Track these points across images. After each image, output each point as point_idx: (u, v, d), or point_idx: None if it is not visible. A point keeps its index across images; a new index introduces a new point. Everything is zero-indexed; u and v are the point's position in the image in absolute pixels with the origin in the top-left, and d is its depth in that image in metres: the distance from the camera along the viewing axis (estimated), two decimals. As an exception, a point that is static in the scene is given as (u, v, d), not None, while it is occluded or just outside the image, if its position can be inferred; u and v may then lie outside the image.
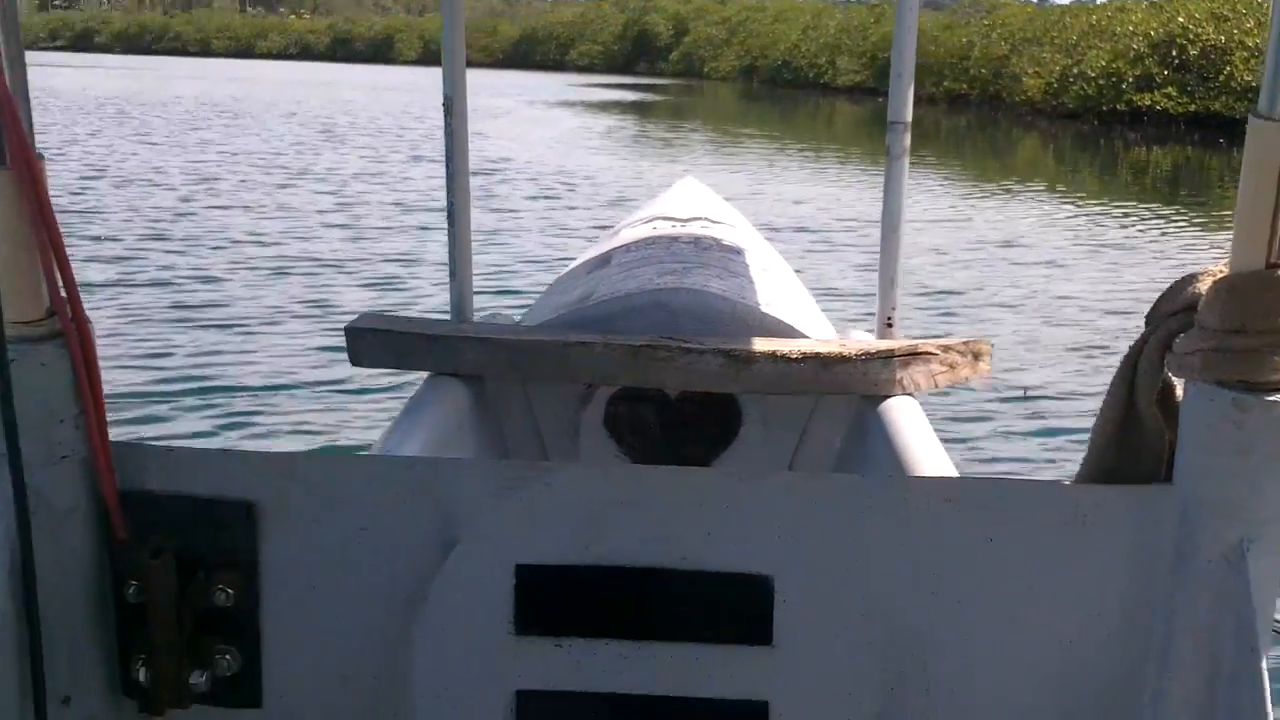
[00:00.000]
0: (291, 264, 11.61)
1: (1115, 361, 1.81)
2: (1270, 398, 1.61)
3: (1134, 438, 1.78)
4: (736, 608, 1.78)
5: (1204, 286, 1.67)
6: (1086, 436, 1.87)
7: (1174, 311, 1.72)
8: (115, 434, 1.76)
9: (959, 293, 11.06)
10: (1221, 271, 1.66)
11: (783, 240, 12.36)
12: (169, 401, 6.99)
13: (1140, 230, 15.42)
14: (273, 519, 1.78)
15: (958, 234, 14.50)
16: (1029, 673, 1.78)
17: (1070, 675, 1.77)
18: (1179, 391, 1.77)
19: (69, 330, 1.67)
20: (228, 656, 1.80)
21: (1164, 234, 15.20)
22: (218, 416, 6.80)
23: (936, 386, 3.40)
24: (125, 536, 1.74)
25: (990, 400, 7.46)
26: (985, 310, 10.40)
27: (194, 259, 11.72)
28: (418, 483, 1.77)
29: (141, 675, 1.76)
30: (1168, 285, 1.76)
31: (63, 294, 1.66)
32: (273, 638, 1.81)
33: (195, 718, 1.82)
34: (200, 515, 1.77)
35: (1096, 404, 1.83)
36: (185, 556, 1.75)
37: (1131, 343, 1.78)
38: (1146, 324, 1.77)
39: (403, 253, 12.40)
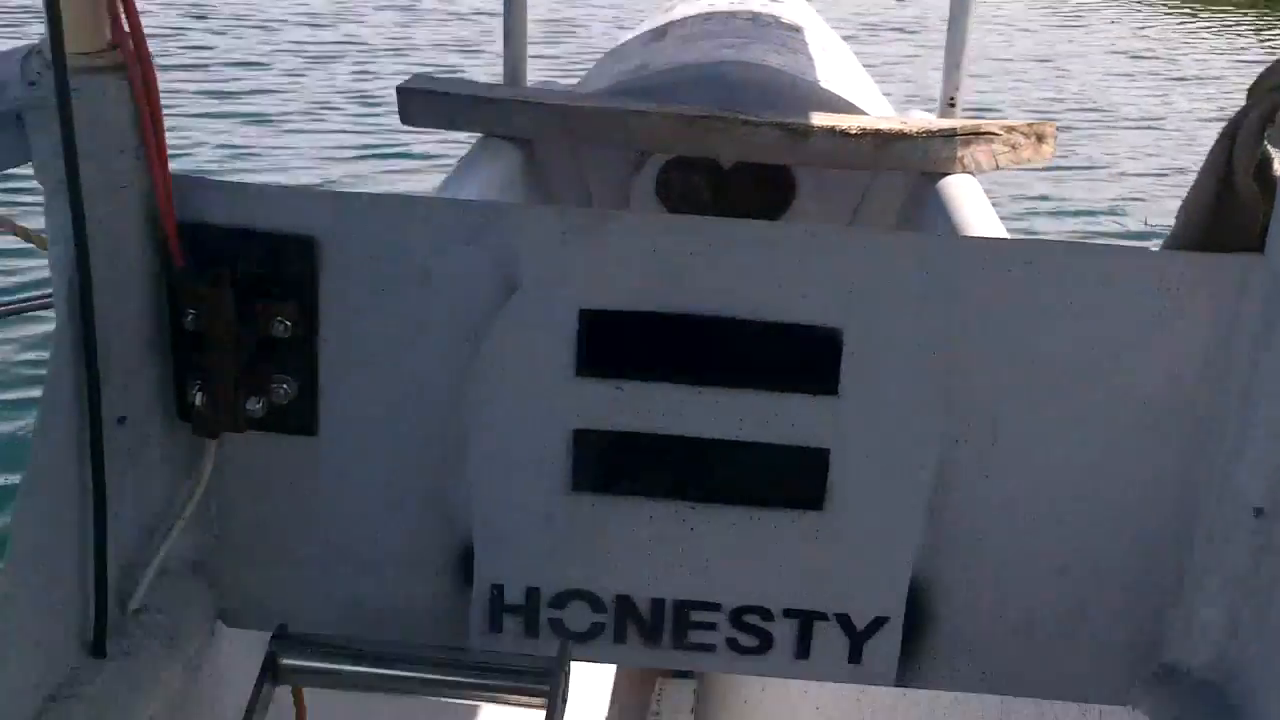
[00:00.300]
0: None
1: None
2: None
3: (1227, 209, 1.73)
4: (802, 358, 1.75)
5: (1313, 57, 1.59)
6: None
7: (1277, 85, 1.65)
8: (175, 167, 1.72)
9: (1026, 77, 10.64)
10: None
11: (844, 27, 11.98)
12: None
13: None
14: (333, 255, 1.74)
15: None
16: (1099, 438, 1.75)
17: (1144, 435, 1.75)
18: (1277, 166, 1.70)
19: (131, 62, 1.63)
20: (284, 386, 1.79)
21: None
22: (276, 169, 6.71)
23: (998, 167, 3.32)
24: (183, 264, 1.71)
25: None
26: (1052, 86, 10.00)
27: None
28: (480, 225, 1.73)
29: (198, 400, 1.75)
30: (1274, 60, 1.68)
31: (125, 27, 1.61)
32: (330, 370, 1.80)
33: (250, 442, 1.83)
34: (260, 248, 1.73)
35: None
36: (243, 287, 1.72)
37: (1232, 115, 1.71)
38: (1249, 96, 1.70)
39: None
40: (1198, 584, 1.79)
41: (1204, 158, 1.75)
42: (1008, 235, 2.64)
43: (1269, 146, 1.69)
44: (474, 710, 3.32)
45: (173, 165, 1.72)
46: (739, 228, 1.74)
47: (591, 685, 4.07)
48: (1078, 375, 1.74)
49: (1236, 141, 1.69)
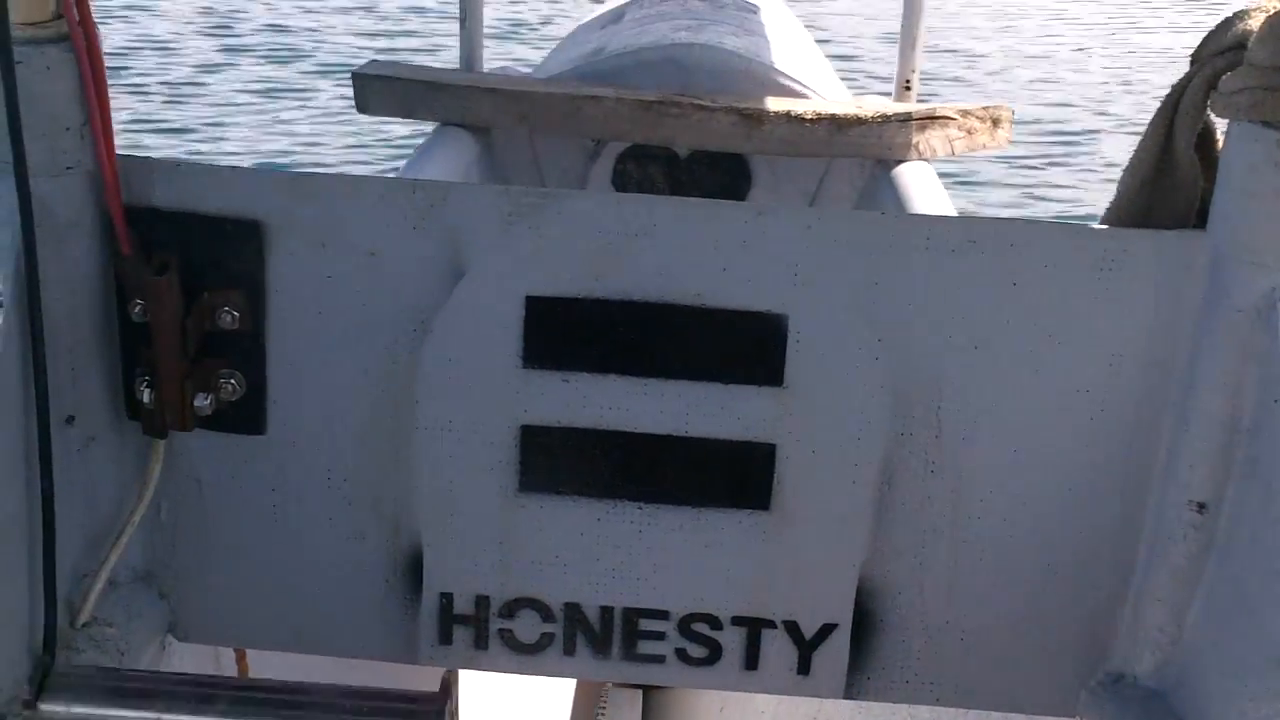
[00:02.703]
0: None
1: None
2: None
3: (1168, 182, 1.72)
4: (749, 347, 1.74)
5: (1255, 23, 1.59)
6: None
7: (1222, 50, 1.64)
8: (121, 148, 1.70)
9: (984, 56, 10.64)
10: (1274, 7, 1.58)
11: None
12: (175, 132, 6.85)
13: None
14: (280, 239, 1.73)
15: None
16: (1045, 421, 1.75)
17: (1087, 424, 1.74)
18: (1219, 137, 1.70)
19: (76, 33, 1.60)
20: (232, 381, 1.77)
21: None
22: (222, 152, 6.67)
23: (953, 153, 3.33)
24: (130, 252, 1.69)
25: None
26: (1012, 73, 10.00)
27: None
28: (427, 207, 1.71)
29: (145, 397, 1.73)
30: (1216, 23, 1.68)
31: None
32: (278, 363, 1.78)
33: (198, 441, 1.81)
34: (206, 233, 1.72)
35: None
36: (190, 275, 1.70)
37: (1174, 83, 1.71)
38: (1192, 63, 1.69)
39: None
40: (1142, 585, 1.78)
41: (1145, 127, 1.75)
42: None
43: (1211, 116, 1.69)
44: None
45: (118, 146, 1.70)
46: (686, 206, 1.74)
47: (550, 697, 4.06)
48: (1020, 361, 1.73)
49: (1178, 111, 1.69)
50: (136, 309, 1.70)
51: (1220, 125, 1.70)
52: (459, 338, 1.75)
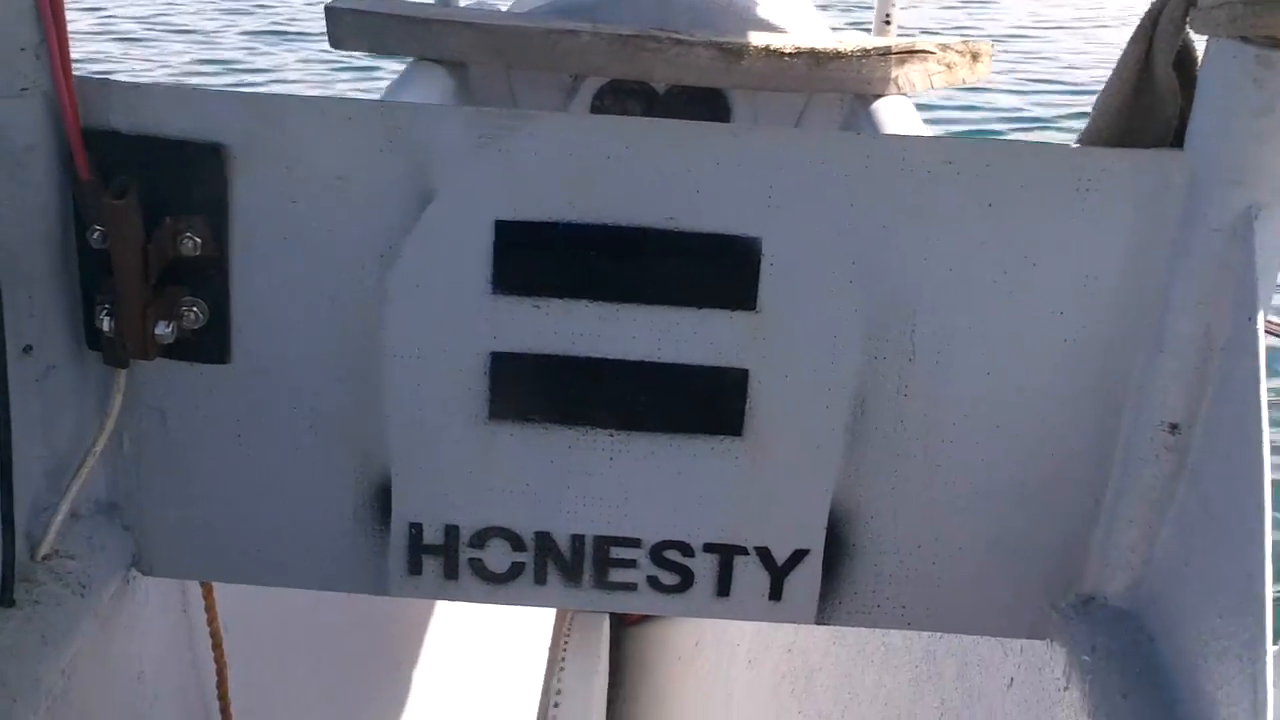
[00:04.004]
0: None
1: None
2: None
3: (1146, 101, 1.70)
4: (722, 271, 1.72)
5: (1237, -64, 1.57)
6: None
7: None
8: (79, 71, 1.66)
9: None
10: None
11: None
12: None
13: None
14: (244, 163, 1.69)
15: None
16: (1019, 342, 1.73)
17: (1061, 346, 1.73)
18: (1199, 55, 1.68)
19: None
20: (195, 309, 1.74)
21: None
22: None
23: (932, 87, 3.30)
24: (89, 177, 1.65)
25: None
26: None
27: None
28: (394, 129, 1.68)
29: (105, 325, 1.69)
30: None
31: None
32: (241, 291, 1.75)
33: (161, 371, 1.78)
34: (168, 157, 1.68)
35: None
36: (151, 201, 1.67)
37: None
38: None
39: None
40: (1114, 508, 1.77)
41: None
42: None
43: (1190, 34, 1.66)
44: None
45: (76, 69, 1.66)
46: (658, 127, 1.71)
47: (530, 626, 4.08)
48: (995, 284, 1.71)
49: (1157, 28, 1.66)
50: (95, 235, 1.67)
51: (1199, 43, 1.68)
52: (427, 263, 1.73)
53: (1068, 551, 1.82)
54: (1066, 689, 1.75)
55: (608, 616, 4.12)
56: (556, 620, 4.13)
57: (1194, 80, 1.67)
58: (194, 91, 1.72)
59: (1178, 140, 1.69)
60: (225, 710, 2.22)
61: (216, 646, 2.15)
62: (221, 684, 2.19)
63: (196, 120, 1.68)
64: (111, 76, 1.75)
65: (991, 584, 1.85)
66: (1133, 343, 1.71)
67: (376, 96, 3.48)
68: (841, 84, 3.25)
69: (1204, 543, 1.63)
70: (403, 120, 1.69)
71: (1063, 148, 1.73)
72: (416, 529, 1.85)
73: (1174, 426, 1.70)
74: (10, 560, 1.64)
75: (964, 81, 3.35)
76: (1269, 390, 1.58)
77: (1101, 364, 1.74)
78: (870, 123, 3.13)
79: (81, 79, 1.65)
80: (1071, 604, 1.82)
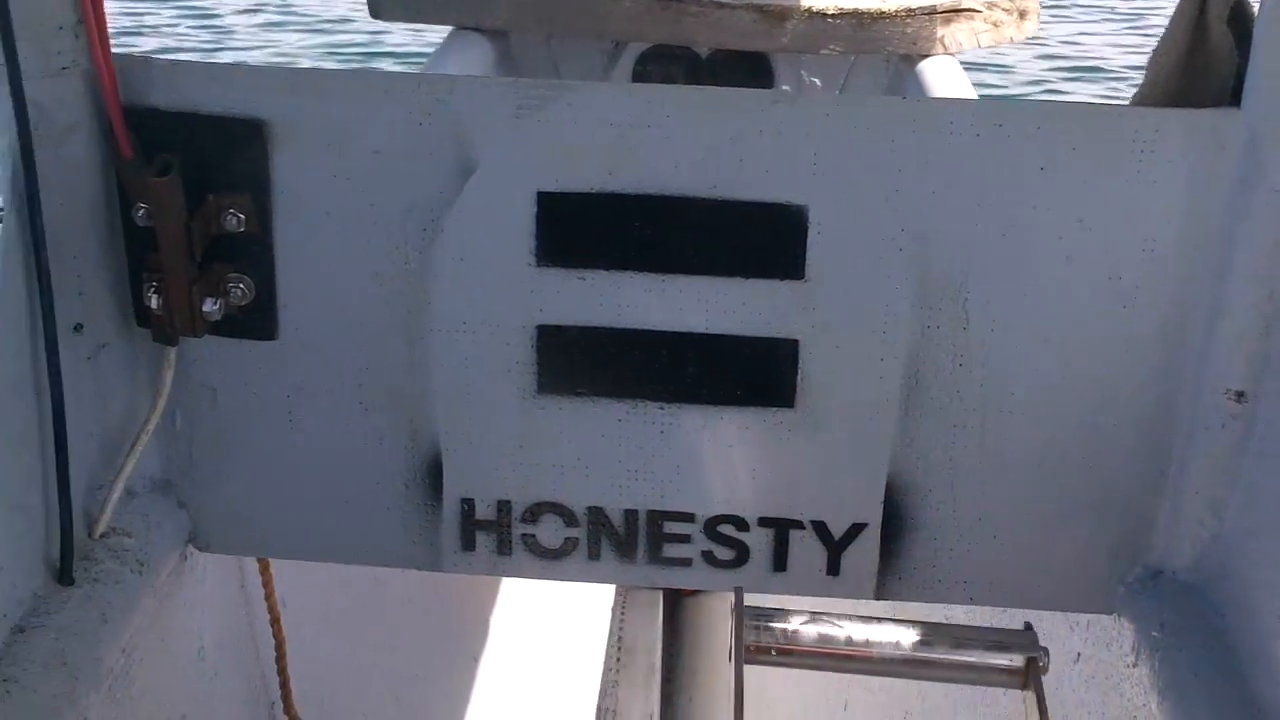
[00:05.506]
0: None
1: None
2: None
3: (1200, 59, 1.66)
4: (768, 240, 1.70)
5: (1293, -113, 1.52)
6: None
7: None
8: (118, 48, 1.66)
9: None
10: None
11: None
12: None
13: None
14: (285, 139, 1.69)
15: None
16: (1076, 310, 1.69)
17: (1120, 312, 1.69)
18: (1254, 10, 1.64)
19: None
20: (241, 285, 1.74)
21: None
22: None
23: (979, 45, 3.26)
24: (130, 155, 1.65)
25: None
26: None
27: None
28: (433, 101, 1.67)
29: (153, 303, 1.69)
30: None
31: None
32: (287, 267, 1.75)
33: (210, 348, 1.78)
34: (209, 134, 1.68)
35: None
36: (194, 177, 1.67)
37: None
38: None
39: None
40: (1180, 479, 1.73)
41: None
42: None
43: None
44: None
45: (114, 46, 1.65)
46: (700, 95, 1.68)
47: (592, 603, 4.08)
48: (1049, 249, 1.67)
49: None
50: (140, 213, 1.67)
51: None
52: (470, 236, 1.72)
53: (1133, 524, 1.78)
54: (1135, 665, 1.71)
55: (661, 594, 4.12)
56: (615, 595, 4.14)
57: (1249, 36, 1.63)
58: (234, 68, 1.71)
59: (1235, 99, 1.64)
60: (285, 685, 2.23)
61: (275, 622, 2.16)
62: (280, 659, 2.20)
63: (237, 96, 1.67)
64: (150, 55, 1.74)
65: (1055, 558, 1.81)
66: (1193, 307, 1.67)
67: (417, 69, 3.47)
68: (886, 45, 3.21)
69: (1275, 516, 1.60)
70: (441, 92, 1.67)
71: (1116, 108, 1.69)
72: (469, 504, 1.84)
73: (1240, 395, 1.65)
74: (69, 538, 1.65)
75: (1011, 40, 3.30)
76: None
77: (1162, 330, 1.69)
78: (916, 84, 3.09)
79: (120, 56, 1.65)
80: (1139, 578, 1.78)
